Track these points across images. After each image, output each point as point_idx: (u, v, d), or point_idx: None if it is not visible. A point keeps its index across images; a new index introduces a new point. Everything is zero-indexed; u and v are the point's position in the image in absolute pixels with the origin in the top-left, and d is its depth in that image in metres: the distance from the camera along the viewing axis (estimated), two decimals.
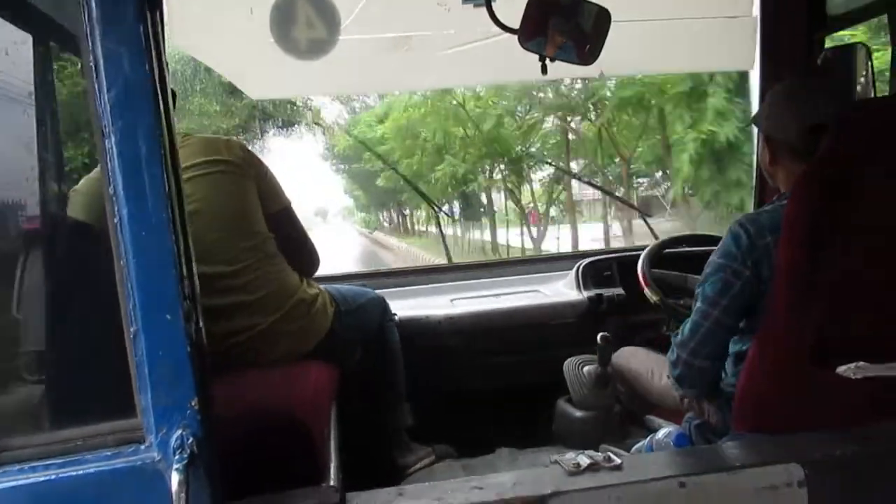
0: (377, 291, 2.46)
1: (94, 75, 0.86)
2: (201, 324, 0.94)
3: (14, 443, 0.99)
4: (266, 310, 1.87)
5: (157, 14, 0.92)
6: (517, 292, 2.92)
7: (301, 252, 2.03)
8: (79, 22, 0.87)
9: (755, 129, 1.93)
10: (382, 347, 2.34)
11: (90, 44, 0.86)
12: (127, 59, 0.86)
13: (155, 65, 0.88)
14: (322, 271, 2.20)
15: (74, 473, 0.89)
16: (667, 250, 2.34)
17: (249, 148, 1.94)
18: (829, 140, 1.35)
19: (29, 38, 1.40)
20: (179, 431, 0.89)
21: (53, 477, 0.89)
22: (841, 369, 1.28)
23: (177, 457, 0.88)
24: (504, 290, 2.95)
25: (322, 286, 2.12)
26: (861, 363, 1.27)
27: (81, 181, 1.73)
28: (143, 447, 0.91)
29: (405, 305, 2.67)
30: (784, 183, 1.56)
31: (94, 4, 0.85)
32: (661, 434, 1.76)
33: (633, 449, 1.84)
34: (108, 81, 0.85)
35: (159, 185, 0.87)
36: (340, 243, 22.83)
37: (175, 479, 0.88)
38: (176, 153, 0.90)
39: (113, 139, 0.85)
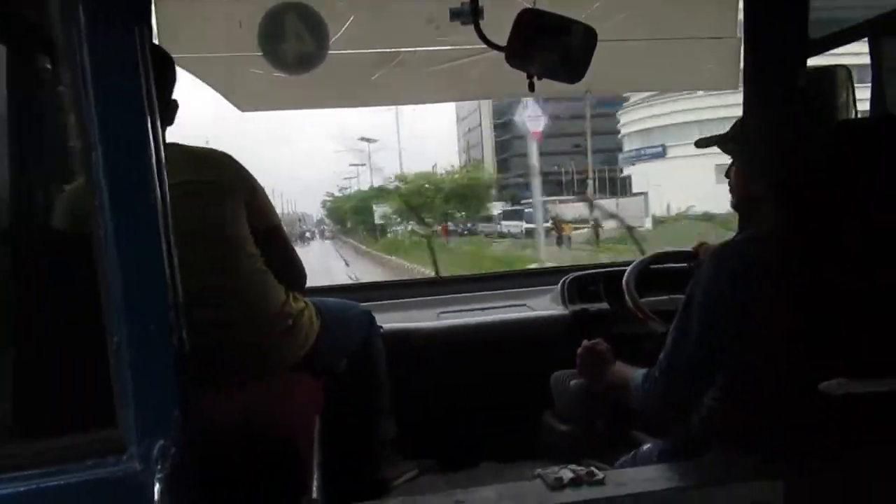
0: (363, 304, 2.46)
1: (82, 88, 0.85)
2: (185, 335, 0.94)
3: None
4: (251, 323, 1.87)
5: (146, 26, 0.92)
6: (504, 306, 2.93)
7: (288, 269, 2.03)
8: (65, 34, 0.86)
9: None
10: (368, 360, 2.34)
11: (78, 56, 0.85)
12: (116, 72, 0.86)
13: (142, 77, 0.89)
14: (308, 283, 2.20)
15: (54, 484, 0.87)
16: (653, 266, 2.36)
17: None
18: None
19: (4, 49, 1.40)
20: (161, 442, 0.89)
21: (33, 487, 0.87)
22: (823, 385, 1.28)
23: (158, 467, 0.88)
24: (491, 303, 2.96)
25: (307, 299, 2.12)
26: (843, 379, 1.28)
27: (66, 190, 1.72)
28: (124, 458, 0.89)
29: (392, 318, 2.67)
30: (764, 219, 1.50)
31: (81, 17, 0.85)
32: (645, 448, 1.76)
33: (618, 463, 1.84)
34: (96, 94, 0.85)
35: (147, 198, 0.87)
36: None
37: (157, 489, 0.87)
38: (163, 165, 0.90)
39: (99, 151, 0.84)
